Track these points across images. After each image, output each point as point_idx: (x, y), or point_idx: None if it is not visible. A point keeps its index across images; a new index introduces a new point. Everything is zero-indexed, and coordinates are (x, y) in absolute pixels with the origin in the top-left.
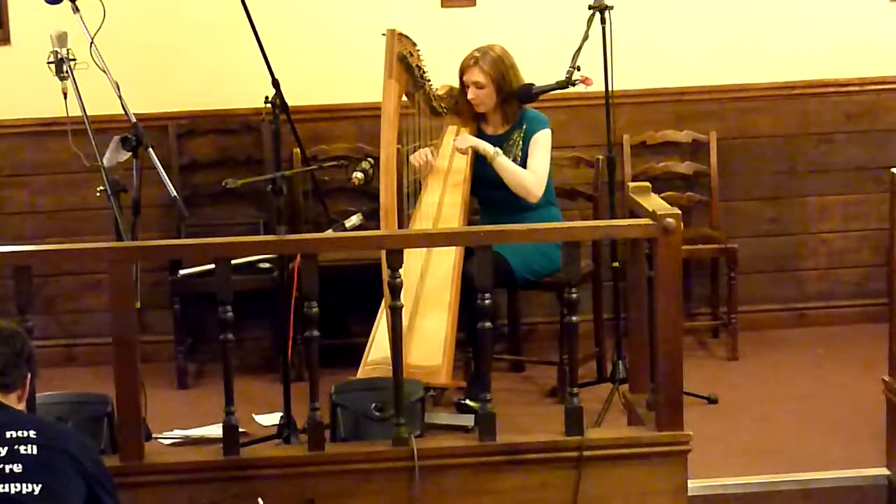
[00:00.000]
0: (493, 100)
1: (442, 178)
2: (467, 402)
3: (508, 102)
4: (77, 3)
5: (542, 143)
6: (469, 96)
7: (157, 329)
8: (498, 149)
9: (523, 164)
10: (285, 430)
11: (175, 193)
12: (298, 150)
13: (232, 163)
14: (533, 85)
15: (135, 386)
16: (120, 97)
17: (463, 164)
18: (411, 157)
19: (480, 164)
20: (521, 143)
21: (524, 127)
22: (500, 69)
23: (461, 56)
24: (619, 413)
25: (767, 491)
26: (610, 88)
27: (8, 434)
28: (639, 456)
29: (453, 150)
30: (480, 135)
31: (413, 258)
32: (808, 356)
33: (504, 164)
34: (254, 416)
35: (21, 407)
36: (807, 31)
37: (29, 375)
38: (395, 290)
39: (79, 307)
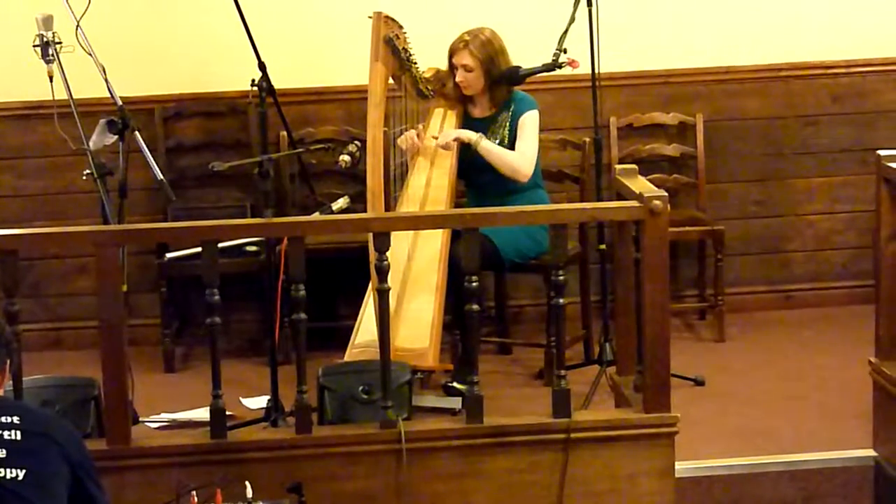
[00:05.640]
0: (481, 83)
1: (429, 161)
2: (455, 384)
3: (497, 86)
4: None
5: (529, 124)
6: (457, 79)
7: (143, 312)
8: (481, 134)
9: (511, 146)
10: (273, 413)
11: (161, 176)
12: (285, 132)
13: (218, 146)
14: (520, 67)
15: (121, 369)
16: (106, 80)
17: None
18: (398, 140)
19: (467, 147)
20: (508, 124)
21: (512, 109)
22: (489, 53)
23: (448, 39)
24: (607, 395)
25: (754, 472)
26: (597, 71)
27: None
28: (626, 438)
29: (440, 133)
30: (467, 118)
31: (400, 241)
32: (794, 338)
33: (488, 147)
34: (241, 399)
35: (1, 393)
36: (793, 13)
37: (8, 362)
38: (382, 272)
39: (65, 291)
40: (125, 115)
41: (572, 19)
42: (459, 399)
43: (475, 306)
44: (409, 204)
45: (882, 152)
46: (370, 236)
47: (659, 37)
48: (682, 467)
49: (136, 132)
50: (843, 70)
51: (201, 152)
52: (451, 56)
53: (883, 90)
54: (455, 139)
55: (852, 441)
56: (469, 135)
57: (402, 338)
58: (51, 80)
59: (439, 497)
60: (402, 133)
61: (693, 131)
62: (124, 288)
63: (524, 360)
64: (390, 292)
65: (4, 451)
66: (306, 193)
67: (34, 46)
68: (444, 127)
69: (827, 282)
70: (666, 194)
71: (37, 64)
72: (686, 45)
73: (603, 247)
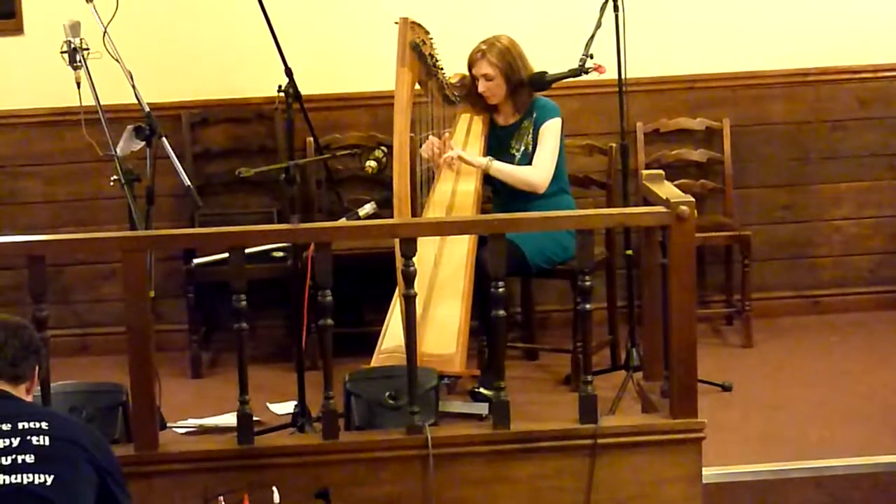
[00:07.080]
0: (503, 90)
1: (455, 167)
2: (481, 390)
3: (518, 92)
4: None
5: (549, 133)
6: (480, 89)
7: (171, 318)
8: (490, 157)
9: (534, 153)
10: (299, 418)
11: (188, 183)
12: (311, 138)
13: (245, 152)
14: (546, 73)
15: (149, 375)
16: (133, 86)
17: (476, 152)
18: (420, 150)
19: (492, 153)
20: (531, 131)
21: (535, 115)
22: (508, 59)
23: (474, 44)
24: (634, 401)
25: (781, 478)
26: (623, 76)
27: (20, 425)
28: (653, 443)
29: (466, 139)
30: (493, 125)
31: (426, 246)
32: (822, 343)
33: (500, 169)
34: (268, 404)
35: (29, 399)
36: (820, 17)
37: (37, 368)
38: (409, 278)
39: (93, 296)
40: (152, 122)
41: (599, 24)
42: (486, 405)
43: (502, 312)
44: (435, 209)
45: None
46: (397, 242)
47: (685, 42)
48: (710, 473)
49: (164, 138)
50: (870, 74)
51: (228, 158)
52: (470, 67)
53: None
54: (459, 157)
55: (880, 447)
56: (479, 161)
57: (428, 343)
58: (78, 87)
59: (466, 502)
60: (427, 139)
61: (720, 136)
62: (152, 294)
63: (551, 366)
64: (417, 298)
65: (33, 457)
66: (333, 199)
67: (62, 53)
68: (470, 133)
69: (854, 287)
70: (693, 200)
71: (64, 70)
72: (713, 49)
73: (630, 252)
